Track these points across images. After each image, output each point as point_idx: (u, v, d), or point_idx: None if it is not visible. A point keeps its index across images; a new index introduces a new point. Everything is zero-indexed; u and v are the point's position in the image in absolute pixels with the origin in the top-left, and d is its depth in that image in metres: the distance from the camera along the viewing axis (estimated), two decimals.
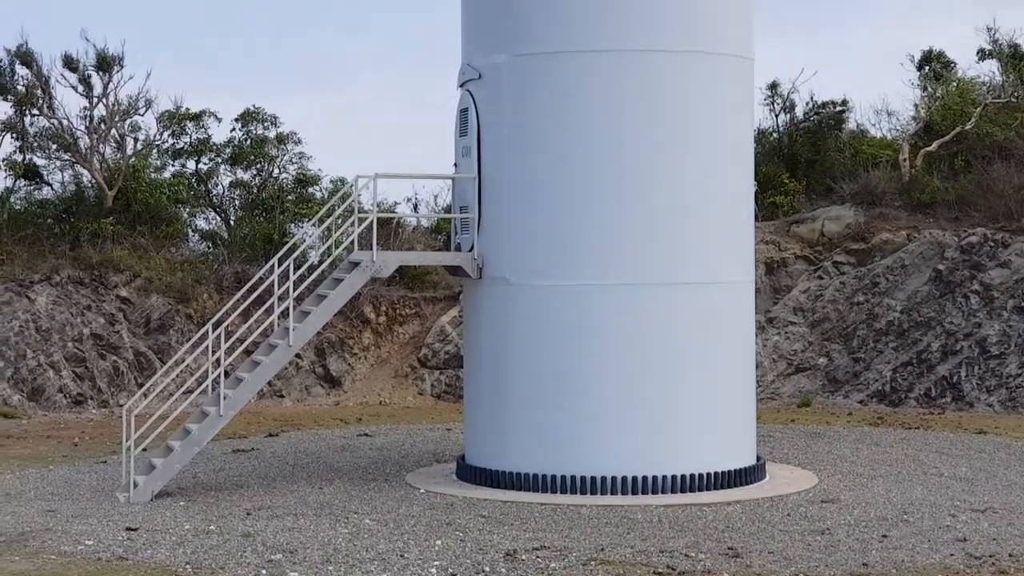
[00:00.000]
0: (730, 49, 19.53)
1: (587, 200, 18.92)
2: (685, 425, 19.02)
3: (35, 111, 32.41)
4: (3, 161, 32.71)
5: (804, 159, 34.69)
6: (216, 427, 19.09)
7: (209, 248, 33.37)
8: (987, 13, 54.79)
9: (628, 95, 18.90)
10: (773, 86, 35.84)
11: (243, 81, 57.36)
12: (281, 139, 34.39)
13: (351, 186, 21.04)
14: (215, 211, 34.50)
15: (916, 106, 35.11)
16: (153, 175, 33.51)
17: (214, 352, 19.41)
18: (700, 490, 18.86)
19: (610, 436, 18.83)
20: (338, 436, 24.93)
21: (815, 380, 29.54)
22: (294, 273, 19.56)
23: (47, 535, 16.33)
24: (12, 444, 24.21)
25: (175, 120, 33.83)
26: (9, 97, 32.33)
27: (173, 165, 34.45)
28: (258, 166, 34.30)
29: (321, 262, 21.05)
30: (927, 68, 35.45)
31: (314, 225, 25.22)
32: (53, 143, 32.48)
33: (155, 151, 34.09)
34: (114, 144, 33.22)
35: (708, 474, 18.99)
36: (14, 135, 32.61)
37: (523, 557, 15.02)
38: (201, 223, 34.60)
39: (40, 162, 33.01)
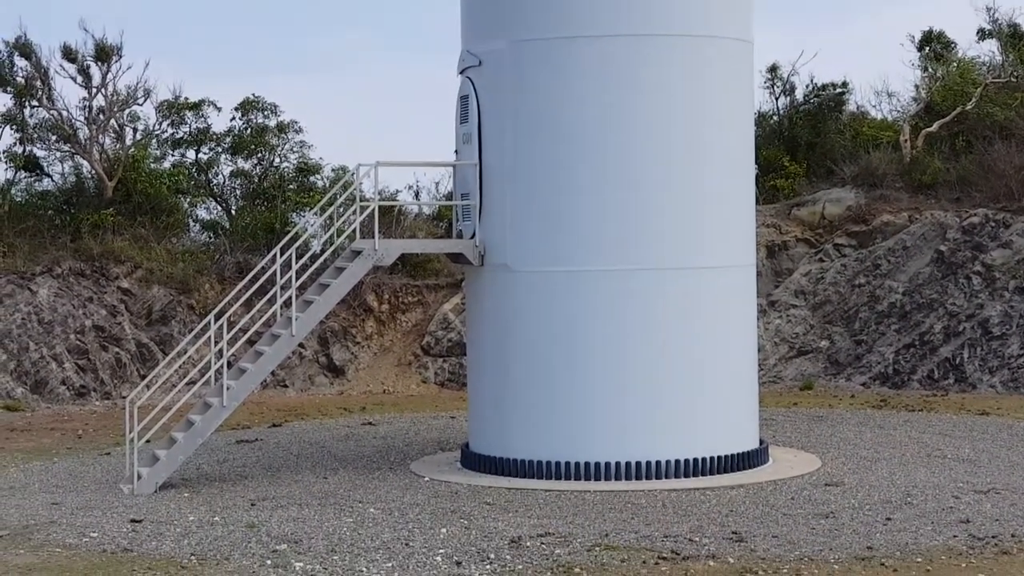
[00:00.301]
0: (730, 32, 19.50)
1: (588, 187, 18.91)
2: (688, 409, 19.03)
3: (34, 102, 32.40)
4: (3, 153, 32.72)
5: (805, 142, 34.64)
6: (219, 418, 19.10)
7: (210, 238, 33.36)
8: None
9: (628, 80, 18.87)
10: (773, 69, 35.79)
11: (242, 70, 57.32)
12: (282, 128, 34.35)
13: (352, 174, 21.03)
14: (216, 201, 34.48)
15: (917, 87, 35.09)
16: (153, 165, 33.50)
17: (216, 343, 19.41)
18: (703, 475, 18.88)
19: (613, 422, 18.83)
20: (342, 425, 24.94)
21: (817, 363, 29.54)
22: (296, 262, 19.56)
23: (52, 528, 16.35)
24: (16, 437, 24.24)
25: (174, 110, 33.80)
26: (8, 89, 32.32)
27: (173, 155, 34.45)
28: (259, 155, 34.27)
29: (323, 251, 21.04)
30: (927, 49, 35.39)
31: (316, 214, 25.19)
32: (53, 134, 32.48)
33: (154, 141, 34.07)
34: (113, 134, 33.22)
35: (711, 458, 18.99)
36: (14, 127, 32.60)
37: (528, 544, 15.04)
38: (202, 213, 34.60)
39: (40, 153, 33.05)
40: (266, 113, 34.41)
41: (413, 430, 24.08)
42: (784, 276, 31.07)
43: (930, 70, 34.75)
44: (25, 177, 33.01)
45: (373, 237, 19.64)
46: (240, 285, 20.92)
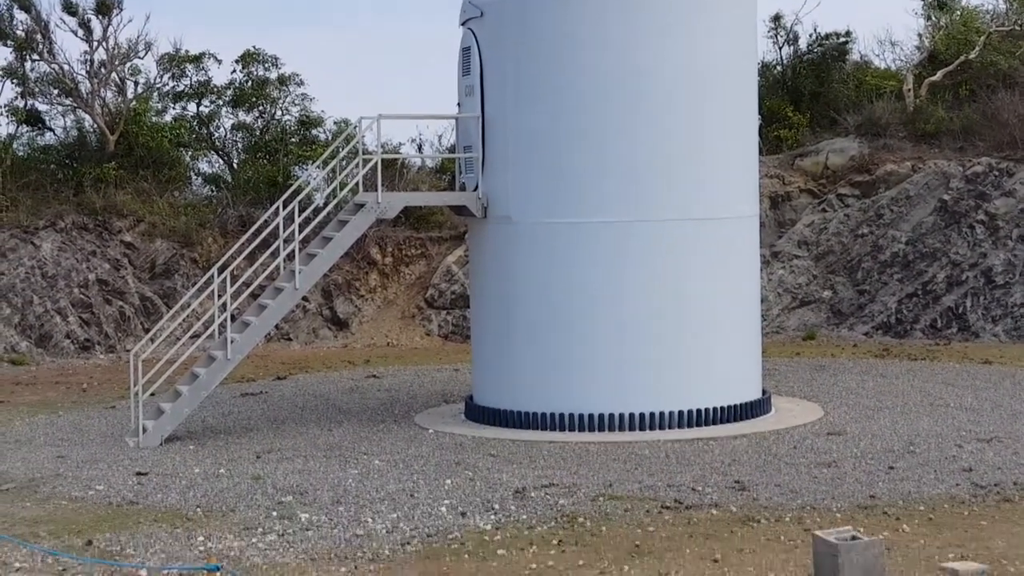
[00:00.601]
0: None
1: (590, 138, 18.88)
2: (691, 360, 19.06)
3: (35, 56, 32.31)
4: (4, 107, 32.67)
5: (808, 92, 34.50)
6: (224, 371, 19.15)
7: (213, 192, 33.32)
8: None
9: (630, 31, 18.81)
10: (776, 18, 35.61)
11: (243, 22, 57.09)
12: (283, 80, 34.24)
13: (355, 127, 20.99)
14: (218, 154, 34.41)
15: (920, 36, 34.94)
16: (154, 119, 33.43)
17: (220, 296, 19.45)
18: (706, 425, 18.93)
19: (616, 373, 18.87)
20: (346, 378, 25.01)
21: (820, 313, 29.57)
22: (299, 216, 19.56)
23: (58, 481, 16.44)
24: (21, 391, 24.32)
25: (175, 63, 33.70)
26: (9, 43, 32.21)
27: (174, 108, 34.36)
28: (260, 108, 34.18)
29: (326, 204, 21.02)
30: None
31: (318, 167, 25.16)
32: (54, 88, 32.39)
33: (156, 94, 33.99)
34: (115, 88, 33.14)
35: (714, 408, 19.06)
36: (15, 80, 32.53)
37: (532, 495, 15.11)
38: (204, 167, 34.51)
39: (42, 108, 32.96)
40: (267, 66, 34.29)
41: (417, 382, 24.14)
42: (787, 227, 31.04)
43: (933, 19, 34.58)
44: (27, 131, 32.95)
45: (376, 190, 19.63)
46: (243, 239, 20.94)
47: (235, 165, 33.90)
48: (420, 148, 35.36)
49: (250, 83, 34.11)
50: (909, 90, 32.83)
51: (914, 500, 14.58)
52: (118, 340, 28.88)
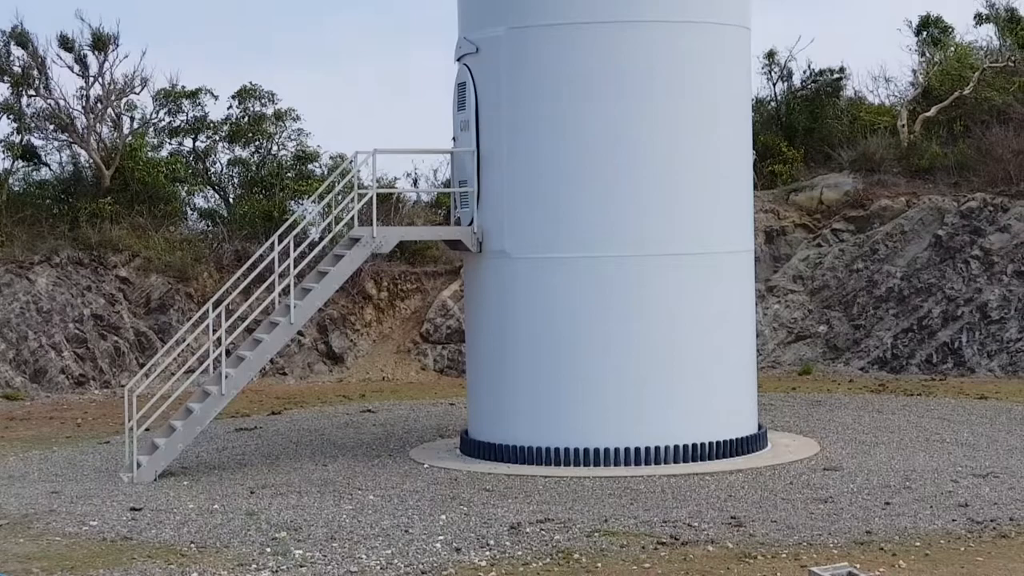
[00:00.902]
0: (727, 18, 19.49)
1: (586, 172, 18.91)
2: (687, 395, 19.04)
3: (31, 92, 32.36)
4: (1, 142, 32.68)
5: (802, 127, 34.61)
6: (218, 406, 19.11)
7: (208, 226, 33.33)
8: None
9: (626, 66, 18.86)
10: (770, 55, 35.75)
11: (239, 58, 57.23)
12: (279, 116, 34.31)
13: (350, 162, 21.02)
14: (214, 189, 34.44)
15: (914, 72, 35.05)
16: (150, 154, 33.45)
17: (215, 331, 19.42)
18: (702, 460, 18.90)
19: (612, 408, 18.85)
20: (341, 413, 24.96)
21: (815, 348, 29.56)
22: (294, 250, 19.56)
23: (51, 516, 16.37)
24: (15, 426, 24.25)
25: (171, 98, 33.76)
26: (5, 78, 32.27)
27: (170, 143, 34.39)
28: (256, 143, 34.23)
29: (321, 239, 21.03)
30: (924, 33, 35.32)
31: (314, 202, 25.19)
32: (50, 123, 32.43)
33: (152, 130, 34.03)
34: (111, 123, 33.18)
35: (710, 443, 19.02)
36: (11, 116, 32.57)
37: (528, 530, 15.06)
38: (200, 201, 34.53)
39: (38, 143, 32.98)
40: (263, 101, 34.37)
41: (412, 417, 24.10)
42: (782, 261, 31.08)
43: (927, 55, 34.72)
44: (23, 166, 32.98)
45: (371, 224, 19.64)
46: (239, 273, 20.92)
47: (231, 200, 33.93)
48: (416, 183, 35.44)
49: (246, 118, 34.18)
50: (903, 125, 32.93)
51: (910, 536, 14.55)
52: (113, 375, 28.83)
